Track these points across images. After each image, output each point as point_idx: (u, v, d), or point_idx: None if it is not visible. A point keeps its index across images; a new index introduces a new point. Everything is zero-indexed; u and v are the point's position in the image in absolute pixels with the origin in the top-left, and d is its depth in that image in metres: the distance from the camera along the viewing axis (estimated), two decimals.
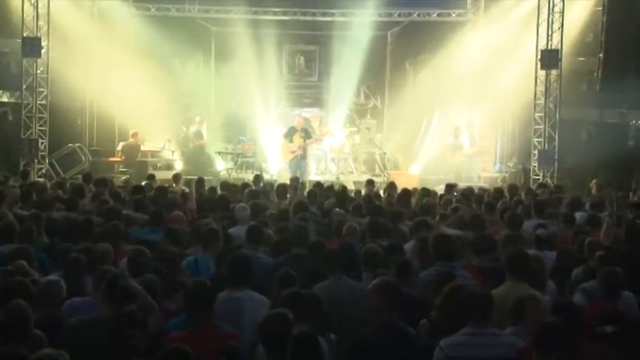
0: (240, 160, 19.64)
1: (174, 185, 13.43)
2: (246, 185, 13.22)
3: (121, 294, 5.23)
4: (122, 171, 18.66)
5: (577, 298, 6.42)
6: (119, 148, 19.64)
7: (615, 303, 6.01)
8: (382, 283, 5.40)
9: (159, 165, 19.32)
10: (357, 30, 20.69)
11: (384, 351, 4.68)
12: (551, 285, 6.80)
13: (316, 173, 19.32)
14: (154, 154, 19.81)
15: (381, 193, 13.19)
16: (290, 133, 18.26)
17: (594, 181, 13.95)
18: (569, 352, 4.72)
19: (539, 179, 17.35)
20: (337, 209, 10.01)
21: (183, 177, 14.46)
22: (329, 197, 11.83)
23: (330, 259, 6.55)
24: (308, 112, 21.15)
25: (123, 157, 19.24)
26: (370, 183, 13.85)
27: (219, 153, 19.72)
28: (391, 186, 13.17)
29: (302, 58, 22.30)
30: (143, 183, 13.14)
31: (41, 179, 16.27)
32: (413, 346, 5.11)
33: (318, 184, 13.59)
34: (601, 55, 18.56)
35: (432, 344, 5.07)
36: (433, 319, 5.46)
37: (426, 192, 12.29)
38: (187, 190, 11.95)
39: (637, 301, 6.42)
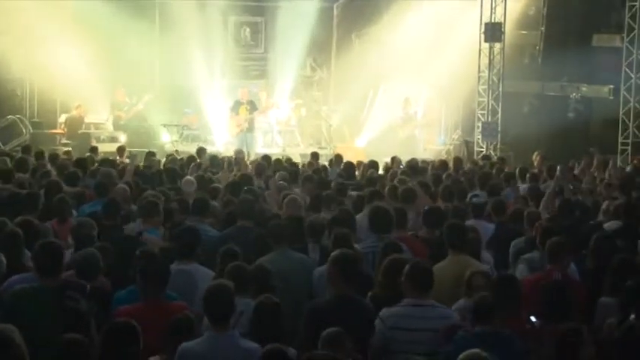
0: (185, 132, 19.44)
1: (118, 158, 13.26)
2: (192, 159, 13.13)
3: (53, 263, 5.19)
4: (64, 143, 18.35)
5: (520, 268, 6.58)
6: (62, 120, 19.29)
7: (563, 270, 6.16)
8: (339, 255, 5.46)
9: (102, 137, 19.00)
10: (304, 2, 20.57)
11: (337, 320, 4.76)
12: (487, 255, 6.94)
13: (263, 146, 19.25)
14: (97, 126, 19.48)
15: (327, 165, 13.22)
16: (235, 107, 18.17)
17: (537, 152, 14.21)
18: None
19: (482, 151, 17.59)
20: (283, 182, 9.99)
21: (128, 150, 14.30)
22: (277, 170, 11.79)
23: (275, 232, 6.57)
24: (254, 85, 21.01)
25: (65, 130, 18.91)
26: (315, 156, 13.88)
27: (165, 125, 19.49)
28: (338, 158, 13.23)
29: (248, 30, 22.06)
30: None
31: None
32: (367, 318, 5.19)
33: (265, 157, 13.55)
34: (543, 28, 18.82)
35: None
36: (375, 292, 5.55)
37: (373, 164, 12.36)
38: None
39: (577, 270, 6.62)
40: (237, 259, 5.91)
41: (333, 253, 5.54)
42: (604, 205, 8.57)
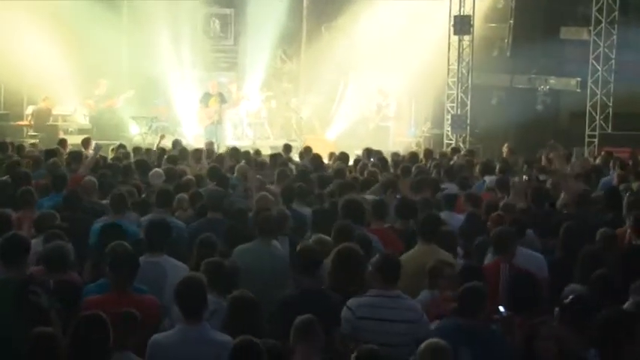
0: (154, 124, 19.29)
1: (83, 150, 13.11)
2: (162, 150, 13.05)
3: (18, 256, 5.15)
4: (32, 135, 18.16)
5: (489, 258, 6.62)
6: (29, 112, 19.05)
7: (507, 260, 6.16)
8: (302, 249, 5.47)
9: (70, 130, 18.84)
10: None
11: (304, 313, 4.75)
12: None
13: (233, 138, 19.19)
14: (65, 118, 19.30)
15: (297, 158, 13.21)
16: (205, 98, 18.10)
17: (506, 144, 14.33)
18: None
19: (452, 144, 17.69)
20: (259, 176, 9.93)
21: (94, 142, 14.15)
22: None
23: (262, 224, 6.56)
24: (224, 77, 20.93)
25: (32, 122, 18.69)
26: (287, 148, 13.85)
27: (134, 118, 19.34)
28: (307, 150, 13.22)
29: (217, 22, 21.93)
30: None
31: None
32: (333, 311, 5.20)
33: (234, 150, 13.50)
34: (511, 21, 18.96)
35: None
36: (327, 282, 5.56)
37: (341, 157, 12.37)
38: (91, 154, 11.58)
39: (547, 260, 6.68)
40: (214, 249, 5.92)
41: (298, 248, 5.57)
42: (562, 195, 8.67)
